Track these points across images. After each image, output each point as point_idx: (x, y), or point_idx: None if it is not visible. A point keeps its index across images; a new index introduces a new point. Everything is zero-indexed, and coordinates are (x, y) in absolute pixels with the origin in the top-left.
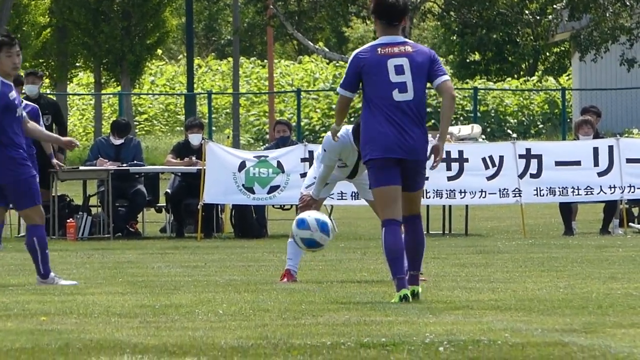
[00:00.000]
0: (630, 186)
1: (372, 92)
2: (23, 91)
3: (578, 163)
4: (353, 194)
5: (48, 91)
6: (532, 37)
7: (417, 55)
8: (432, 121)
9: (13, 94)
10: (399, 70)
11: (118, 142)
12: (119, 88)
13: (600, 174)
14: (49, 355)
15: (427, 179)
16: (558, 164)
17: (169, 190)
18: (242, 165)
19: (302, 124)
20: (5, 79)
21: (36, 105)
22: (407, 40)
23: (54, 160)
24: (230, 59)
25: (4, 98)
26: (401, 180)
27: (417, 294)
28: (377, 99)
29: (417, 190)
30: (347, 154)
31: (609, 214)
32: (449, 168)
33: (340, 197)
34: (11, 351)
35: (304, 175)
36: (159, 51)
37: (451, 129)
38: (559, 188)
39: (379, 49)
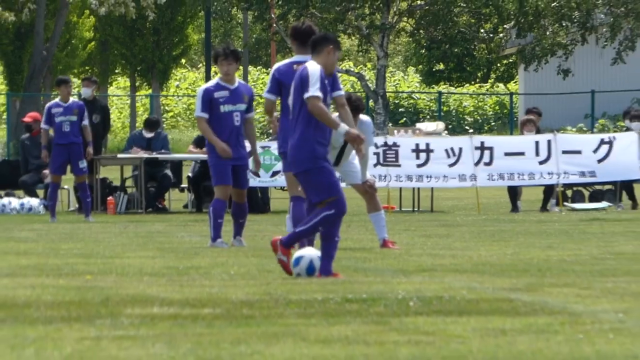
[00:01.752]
0: (565, 173)
1: (287, 99)
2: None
3: (522, 154)
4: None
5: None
6: (486, 51)
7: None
8: (404, 119)
9: None
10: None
11: (149, 135)
12: (150, 91)
13: (540, 163)
14: (92, 307)
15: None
16: (506, 154)
17: (190, 174)
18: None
19: None
20: None
21: (82, 103)
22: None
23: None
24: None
25: None
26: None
27: None
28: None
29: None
30: (337, 137)
31: (547, 195)
32: (418, 157)
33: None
34: (62, 304)
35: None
36: (183, 61)
37: (420, 125)
38: (507, 174)
39: (294, 65)
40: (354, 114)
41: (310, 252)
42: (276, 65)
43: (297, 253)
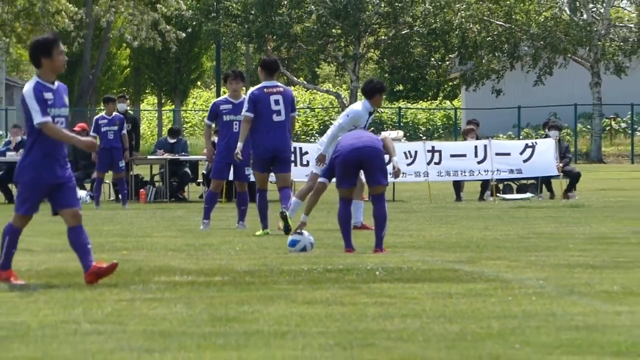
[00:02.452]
0: (497, 170)
1: (260, 116)
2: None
3: (464, 155)
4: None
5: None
6: (435, 75)
7: (286, 93)
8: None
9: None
10: (277, 102)
11: (172, 140)
12: (173, 106)
13: (478, 162)
14: (127, 275)
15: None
16: (452, 156)
17: (204, 172)
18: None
19: None
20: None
21: (122, 116)
22: (279, 84)
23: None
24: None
25: None
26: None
27: None
28: (263, 120)
29: (285, 172)
30: (360, 122)
31: (483, 188)
32: None
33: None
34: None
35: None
36: (198, 83)
37: (384, 133)
38: (452, 171)
39: (265, 89)
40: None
41: (305, 239)
42: (250, 90)
43: (294, 237)
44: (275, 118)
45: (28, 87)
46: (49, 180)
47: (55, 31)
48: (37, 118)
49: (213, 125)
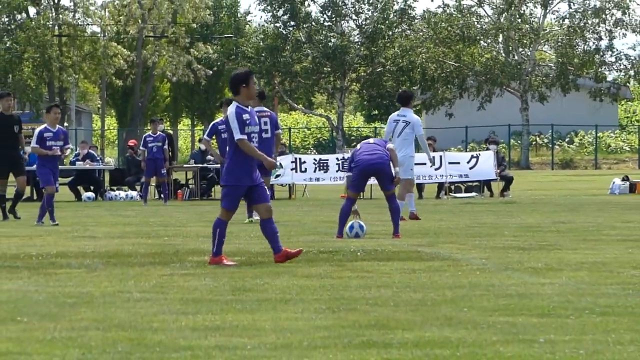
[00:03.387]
0: (450, 175)
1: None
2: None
3: (425, 164)
4: (318, 179)
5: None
6: None
7: (272, 116)
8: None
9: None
10: (265, 123)
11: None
12: (202, 127)
13: (436, 169)
14: (168, 256)
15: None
16: (416, 164)
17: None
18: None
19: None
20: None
21: (165, 135)
22: (266, 109)
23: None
24: None
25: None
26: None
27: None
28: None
29: (266, 176)
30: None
31: (439, 189)
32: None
33: (316, 180)
34: (150, 254)
35: (292, 169)
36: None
37: (390, 145)
38: (416, 176)
39: (257, 113)
40: (405, 104)
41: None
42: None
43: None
44: (264, 135)
45: (231, 110)
46: (247, 183)
47: (117, 68)
48: (237, 135)
49: (211, 140)
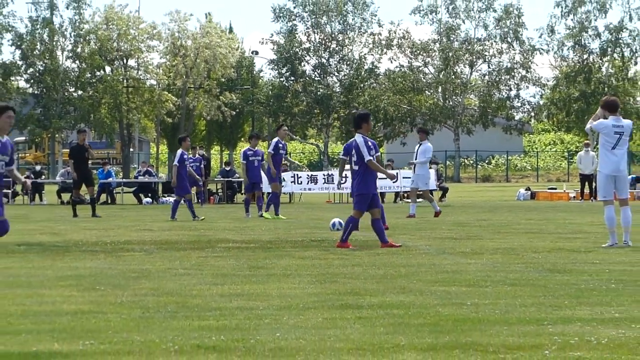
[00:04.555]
0: (404, 186)
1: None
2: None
3: (386, 178)
4: (310, 189)
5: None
6: (370, 135)
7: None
8: (335, 164)
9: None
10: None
11: (227, 169)
12: (228, 152)
13: (393, 182)
14: (203, 243)
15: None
16: (379, 178)
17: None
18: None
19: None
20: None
21: (201, 157)
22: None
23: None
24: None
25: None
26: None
27: None
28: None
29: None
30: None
31: (396, 196)
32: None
33: (308, 189)
34: (190, 242)
35: (292, 182)
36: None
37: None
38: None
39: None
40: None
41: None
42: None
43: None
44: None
45: (360, 139)
46: (372, 191)
47: (167, 110)
48: (366, 157)
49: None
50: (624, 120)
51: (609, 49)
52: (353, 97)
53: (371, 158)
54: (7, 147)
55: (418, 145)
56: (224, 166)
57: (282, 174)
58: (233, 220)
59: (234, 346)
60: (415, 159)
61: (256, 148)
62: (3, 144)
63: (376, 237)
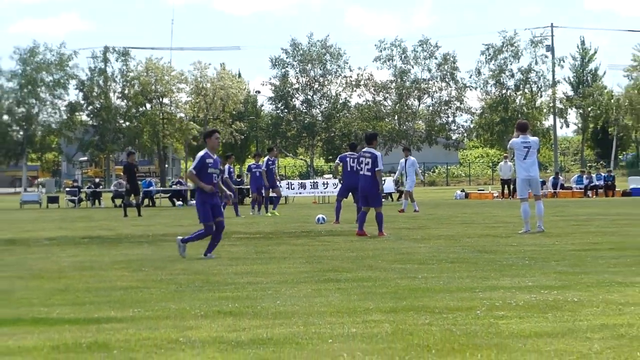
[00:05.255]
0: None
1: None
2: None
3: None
4: (300, 193)
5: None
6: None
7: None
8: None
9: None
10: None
11: (238, 180)
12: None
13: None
14: (225, 235)
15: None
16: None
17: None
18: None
19: (285, 174)
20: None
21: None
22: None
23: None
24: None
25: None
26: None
27: None
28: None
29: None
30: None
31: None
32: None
33: (299, 193)
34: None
35: (287, 187)
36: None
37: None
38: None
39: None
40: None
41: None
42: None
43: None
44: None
45: (378, 153)
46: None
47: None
48: (381, 167)
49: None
50: (530, 138)
51: (521, 86)
52: (331, 124)
53: (381, 168)
54: (218, 162)
55: (404, 160)
56: (235, 177)
57: (282, 181)
58: (243, 217)
59: (245, 311)
60: (405, 170)
61: (259, 162)
62: (215, 160)
63: (351, 229)
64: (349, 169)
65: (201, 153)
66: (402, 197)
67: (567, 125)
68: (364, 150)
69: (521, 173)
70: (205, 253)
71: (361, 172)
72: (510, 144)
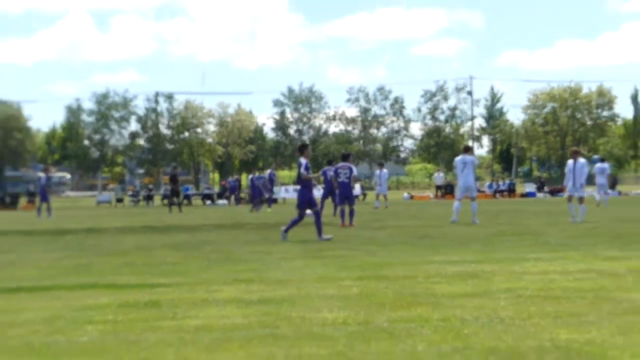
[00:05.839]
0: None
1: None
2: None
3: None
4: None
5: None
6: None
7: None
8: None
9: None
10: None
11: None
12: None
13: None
14: (238, 225)
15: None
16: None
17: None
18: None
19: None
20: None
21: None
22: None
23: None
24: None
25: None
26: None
27: None
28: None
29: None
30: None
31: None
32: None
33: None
34: (229, 225)
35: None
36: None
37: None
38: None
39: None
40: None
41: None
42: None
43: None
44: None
45: (353, 167)
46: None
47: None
48: (355, 173)
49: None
50: (468, 157)
51: (449, 119)
52: (316, 147)
53: (356, 175)
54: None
55: (379, 171)
56: (249, 183)
57: (282, 187)
58: (252, 212)
59: (254, 279)
60: (380, 179)
61: (262, 174)
62: (305, 165)
63: (333, 221)
64: (328, 178)
65: (304, 160)
66: (364, 198)
67: (482, 147)
68: (341, 164)
69: (460, 181)
70: (285, 229)
71: (339, 180)
72: (454, 160)
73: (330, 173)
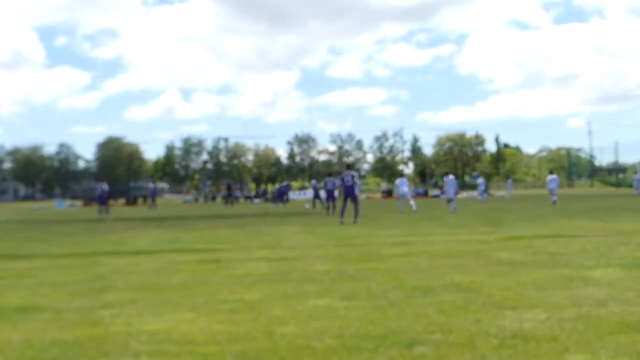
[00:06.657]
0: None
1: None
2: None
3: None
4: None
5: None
6: None
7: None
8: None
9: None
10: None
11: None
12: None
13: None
14: (265, 216)
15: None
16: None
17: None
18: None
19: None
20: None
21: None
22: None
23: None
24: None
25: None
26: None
27: None
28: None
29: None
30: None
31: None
32: None
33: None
34: (258, 215)
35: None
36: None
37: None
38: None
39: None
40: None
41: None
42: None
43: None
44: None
45: (356, 175)
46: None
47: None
48: (359, 183)
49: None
50: (405, 179)
51: (389, 152)
52: (313, 168)
53: (358, 181)
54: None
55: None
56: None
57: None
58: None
59: (275, 245)
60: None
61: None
62: (356, 175)
63: (326, 218)
64: (329, 187)
65: (355, 173)
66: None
67: (409, 169)
68: (346, 172)
69: (400, 191)
70: (353, 221)
71: (347, 184)
72: (396, 180)
73: (332, 183)
